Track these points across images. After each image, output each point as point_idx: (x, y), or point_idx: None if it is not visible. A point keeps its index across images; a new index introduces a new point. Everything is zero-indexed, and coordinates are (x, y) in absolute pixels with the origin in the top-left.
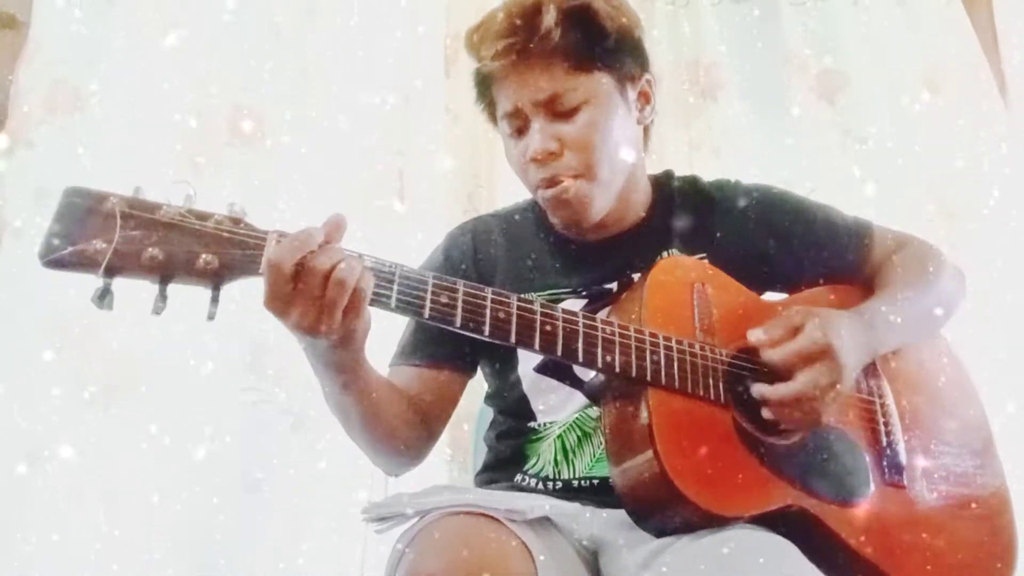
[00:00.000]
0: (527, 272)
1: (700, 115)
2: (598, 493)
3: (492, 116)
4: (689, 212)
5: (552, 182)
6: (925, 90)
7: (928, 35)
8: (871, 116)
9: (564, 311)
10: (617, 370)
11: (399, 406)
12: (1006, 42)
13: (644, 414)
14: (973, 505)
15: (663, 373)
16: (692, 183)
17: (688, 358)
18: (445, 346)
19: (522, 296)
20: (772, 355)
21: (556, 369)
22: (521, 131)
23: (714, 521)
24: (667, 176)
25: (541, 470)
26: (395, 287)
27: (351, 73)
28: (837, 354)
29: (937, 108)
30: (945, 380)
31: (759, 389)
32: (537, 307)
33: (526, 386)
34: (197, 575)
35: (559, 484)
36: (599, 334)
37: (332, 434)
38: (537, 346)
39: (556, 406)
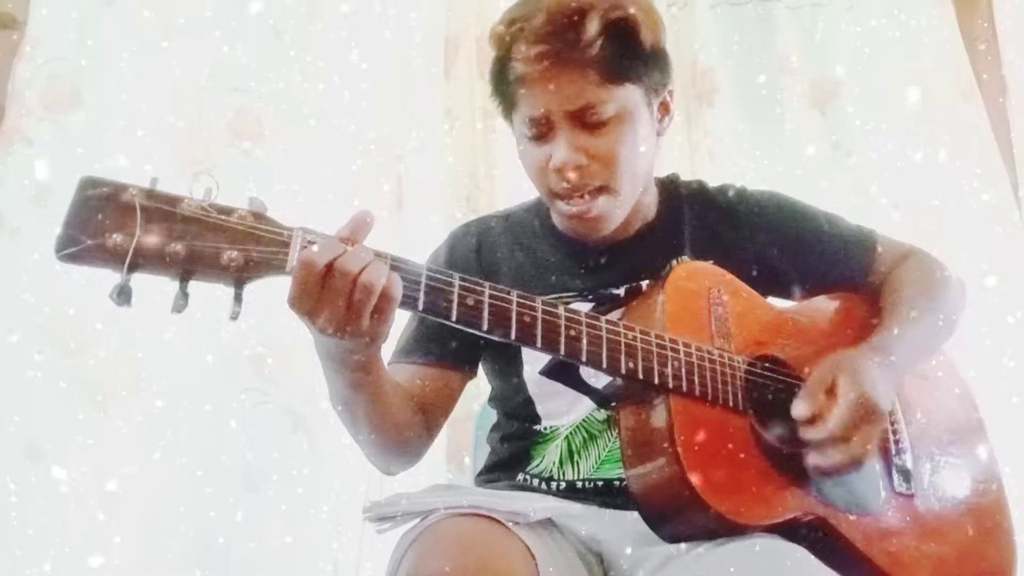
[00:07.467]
0: (532, 273)
1: (696, 119)
2: (603, 494)
3: (506, 110)
4: (697, 218)
5: (574, 195)
6: (913, 97)
7: (918, 41)
8: (862, 124)
9: (587, 315)
10: (640, 376)
11: (405, 405)
12: (1006, 42)
13: (665, 420)
14: (976, 512)
15: (684, 380)
16: (699, 188)
17: (708, 365)
18: (447, 345)
19: (545, 300)
20: (822, 431)
21: (562, 373)
22: (543, 136)
23: (732, 528)
24: (673, 180)
25: (544, 470)
26: (422, 289)
27: (350, 74)
28: (876, 405)
29: (924, 116)
30: (945, 388)
31: (814, 461)
32: (561, 311)
33: (531, 389)
34: (197, 575)
35: (563, 484)
36: (622, 340)
37: (332, 435)
38: (563, 351)
39: (562, 410)
